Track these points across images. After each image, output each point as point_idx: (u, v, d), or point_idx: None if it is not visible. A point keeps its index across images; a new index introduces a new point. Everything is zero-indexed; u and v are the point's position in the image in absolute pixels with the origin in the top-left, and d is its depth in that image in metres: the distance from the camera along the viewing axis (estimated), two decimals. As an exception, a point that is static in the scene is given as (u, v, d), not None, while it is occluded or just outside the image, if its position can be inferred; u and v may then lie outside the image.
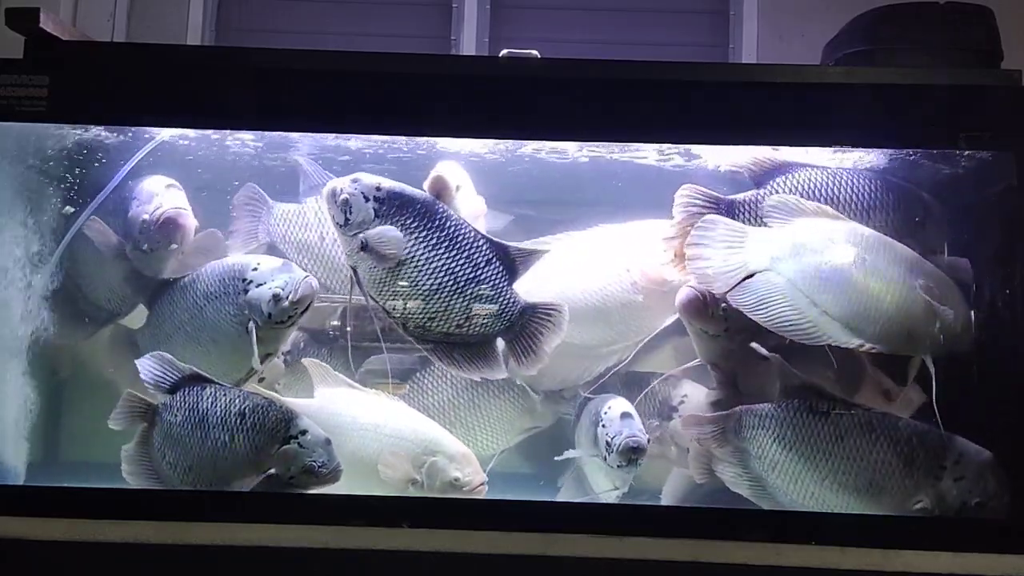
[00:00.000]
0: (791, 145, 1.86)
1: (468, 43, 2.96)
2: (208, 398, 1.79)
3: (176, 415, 1.80)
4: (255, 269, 1.89)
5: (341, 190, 1.84)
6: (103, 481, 1.81)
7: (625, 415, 1.86)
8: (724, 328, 1.82)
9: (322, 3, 3.02)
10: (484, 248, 1.85)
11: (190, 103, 1.78)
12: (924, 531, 1.66)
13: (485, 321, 1.84)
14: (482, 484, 1.85)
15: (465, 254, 1.83)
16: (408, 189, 1.85)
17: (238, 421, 1.76)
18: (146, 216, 1.93)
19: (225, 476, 1.76)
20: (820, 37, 2.04)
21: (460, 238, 1.84)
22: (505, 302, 1.85)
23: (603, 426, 1.87)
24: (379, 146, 1.93)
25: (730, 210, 1.88)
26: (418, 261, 1.82)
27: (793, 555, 1.62)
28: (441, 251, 1.83)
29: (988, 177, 1.84)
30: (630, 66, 1.87)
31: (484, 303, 1.83)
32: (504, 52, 1.85)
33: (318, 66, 1.82)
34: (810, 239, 1.78)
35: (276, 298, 1.83)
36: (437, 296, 1.82)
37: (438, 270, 1.82)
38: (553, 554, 1.63)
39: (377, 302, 1.86)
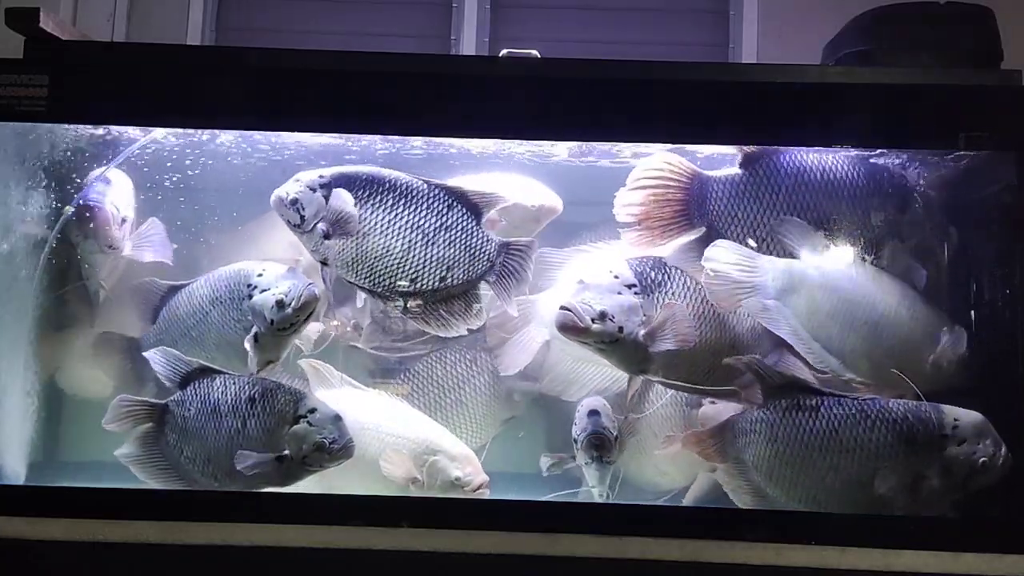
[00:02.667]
0: (791, 145, 1.86)
1: (468, 43, 2.96)
2: (218, 388, 1.80)
3: (189, 409, 1.81)
4: (260, 275, 1.88)
5: (288, 193, 1.85)
6: (103, 481, 1.81)
7: (592, 412, 1.87)
8: (618, 329, 1.74)
9: (322, 3, 3.02)
10: (442, 196, 1.85)
11: (190, 103, 1.78)
12: (924, 531, 1.66)
13: (468, 266, 1.85)
14: (483, 484, 1.86)
15: (425, 205, 1.84)
16: (349, 168, 1.86)
17: (249, 407, 1.77)
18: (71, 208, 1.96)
19: None
20: (820, 37, 2.04)
21: (415, 193, 1.84)
22: (480, 241, 1.86)
23: (575, 424, 1.88)
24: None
25: (704, 187, 1.85)
26: (383, 226, 1.83)
27: (793, 555, 1.62)
28: (400, 209, 1.83)
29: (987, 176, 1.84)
30: (630, 66, 1.87)
31: (457, 246, 1.84)
32: (504, 52, 1.86)
33: (318, 66, 1.82)
34: (815, 277, 1.79)
35: (279, 304, 1.82)
36: (411, 254, 1.83)
37: (404, 228, 1.83)
38: (553, 554, 1.63)
39: (359, 285, 1.86)
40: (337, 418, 1.76)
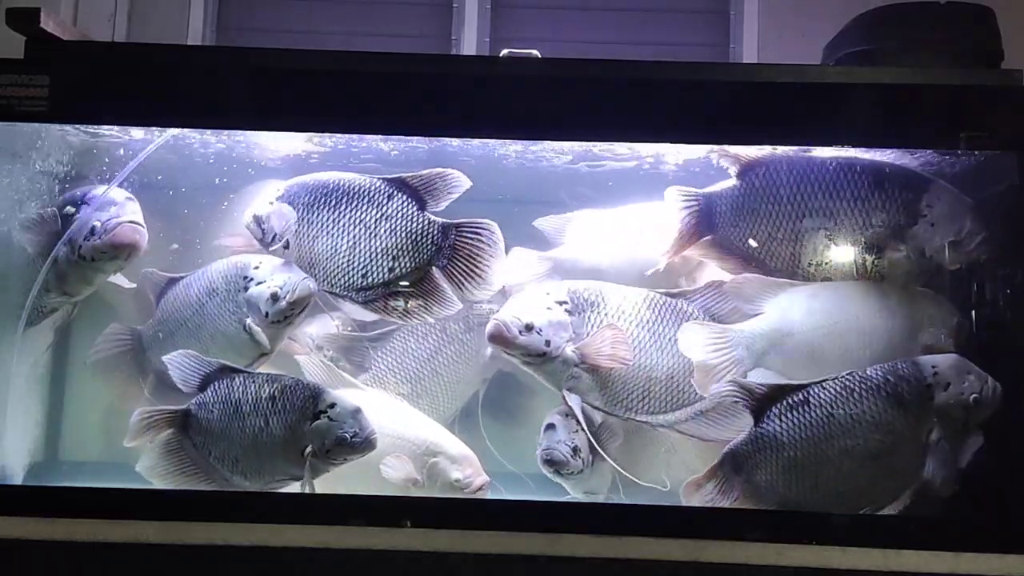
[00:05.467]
0: (791, 145, 1.86)
1: (468, 43, 2.96)
2: (239, 388, 1.81)
3: (212, 411, 1.82)
4: (256, 268, 1.90)
5: (253, 212, 1.93)
6: (103, 481, 1.81)
7: (548, 427, 1.87)
8: (544, 343, 1.79)
9: (322, 3, 3.02)
10: (382, 187, 1.87)
11: (190, 103, 1.78)
12: (924, 531, 1.66)
13: (413, 253, 1.85)
14: (483, 486, 1.86)
15: (365, 199, 1.86)
16: (302, 177, 1.92)
17: (269, 405, 1.78)
18: (97, 223, 1.87)
19: (268, 460, 1.79)
20: (821, 36, 2.04)
21: (355, 189, 1.87)
22: (421, 225, 1.85)
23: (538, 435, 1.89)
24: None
25: (708, 204, 1.90)
26: (328, 227, 1.86)
27: (793, 555, 1.62)
28: (343, 207, 1.86)
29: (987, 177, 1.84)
30: (630, 66, 1.87)
31: (399, 234, 1.84)
32: (504, 52, 1.85)
33: (318, 66, 1.82)
34: (781, 325, 1.83)
35: (274, 297, 1.84)
36: (357, 249, 1.85)
37: (347, 225, 1.86)
38: (553, 554, 1.63)
39: (324, 290, 1.89)
40: (357, 411, 1.76)
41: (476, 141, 1.91)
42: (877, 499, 1.73)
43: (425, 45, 3.00)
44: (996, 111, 1.73)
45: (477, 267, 1.85)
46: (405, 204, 1.86)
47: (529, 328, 1.79)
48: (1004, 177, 1.78)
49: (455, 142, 1.92)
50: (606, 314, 1.84)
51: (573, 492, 1.89)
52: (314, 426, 1.75)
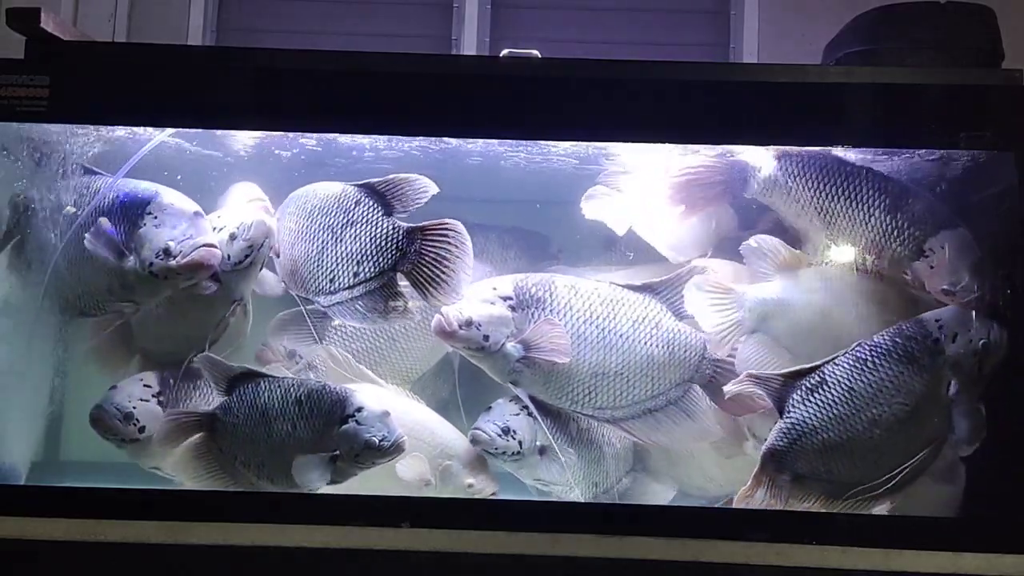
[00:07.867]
0: (791, 145, 1.86)
1: (468, 43, 2.96)
2: (264, 392, 1.81)
3: (238, 416, 1.81)
4: (219, 217, 1.93)
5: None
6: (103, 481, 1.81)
7: (486, 409, 1.89)
8: (483, 337, 1.80)
9: (322, 3, 3.02)
10: (352, 192, 1.88)
11: (190, 103, 1.78)
12: (924, 531, 1.66)
13: (376, 257, 1.84)
14: (493, 493, 1.86)
15: (335, 205, 1.88)
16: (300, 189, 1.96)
17: (296, 409, 1.77)
18: (171, 243, 1.80)
19: None
20: (821, 36, 2.04)
21: (327, 196, 1.89)
22: (385, 230, 1.84)
23: None
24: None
25: (743, 172, 1.90)
26: (302, 234, 1.89)
27: (793, 555, 1.62)
28: (316, 214, 1.88)
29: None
30: (630, 66, 1.87)
31: (363, 239, 1.84)
32: (504, 52, 1.86)
33: (318, 66, 1.82)
34: (789, 296, 1.85)
35: (232, 238, 1.87)
36: (324, 254, 1.86)
37: (317, 231, 1.87)
38: (554, 554, 1.63)
39: (302, 296, 1.92)
40: (385, 415, 1.75)
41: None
42: (917, 462, 1.72)
43: (425, 45, 3.00)
44: (996, 111, 1.73)
45: (442, 271, 1.80)
46: (370, 210, 1.85)
47: (469, 323, 1.80)
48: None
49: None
50: (552, 310, 1.83)
51: (519, 476, 1.88)
52: (342, 430, 1.73)
